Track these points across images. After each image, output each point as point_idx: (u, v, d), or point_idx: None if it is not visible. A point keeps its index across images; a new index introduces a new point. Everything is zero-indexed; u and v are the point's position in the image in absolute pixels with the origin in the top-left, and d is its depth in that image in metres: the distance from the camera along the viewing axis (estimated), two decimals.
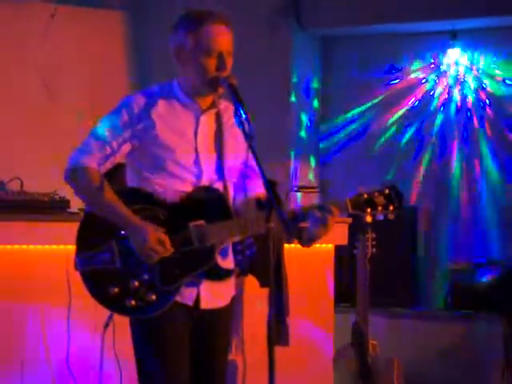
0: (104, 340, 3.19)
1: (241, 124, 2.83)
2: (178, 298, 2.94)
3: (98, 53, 6.50)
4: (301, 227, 2.97)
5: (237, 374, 4.38)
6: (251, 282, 4.09)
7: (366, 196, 2.99)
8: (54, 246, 4.05)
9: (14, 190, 4.25)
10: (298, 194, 6.29)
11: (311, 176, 6.89)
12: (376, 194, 3.00)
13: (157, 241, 2.86)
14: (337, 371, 4.82)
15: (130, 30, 6.80)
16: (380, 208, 2.99)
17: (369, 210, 2.99)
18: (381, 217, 3.02)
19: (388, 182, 3.09)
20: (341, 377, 4.81)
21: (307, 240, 2.99)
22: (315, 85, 6.97)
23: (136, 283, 2.90)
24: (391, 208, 3.00)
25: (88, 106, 6.24)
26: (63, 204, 4.19)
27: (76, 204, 4.09)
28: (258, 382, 3.29)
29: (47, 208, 4.15)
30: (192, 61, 2.96)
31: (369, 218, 3.02)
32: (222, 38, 2.95)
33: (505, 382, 5.83)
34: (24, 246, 4.04)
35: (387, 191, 3.01)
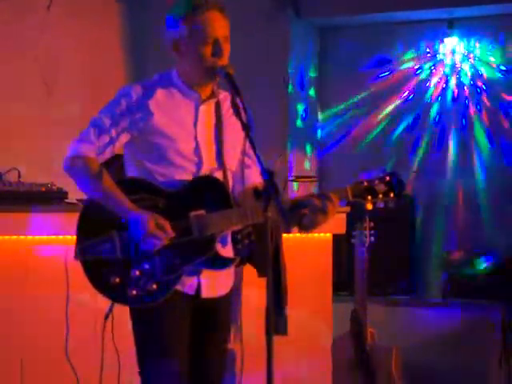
0: (104, 330, 3.19)
1: (238, 114, 2.83)
2: (178, 287, 2.95)
3: (96, 44, 6.49)
4: (301, 214, 2.97)
5: (235, 363, 4.39)
6: (249, 271, 4.09)
7: (366, 184, 3.00)
8: (52, 237, 4.05)
9: (12, 180, 4.24)
10: (295, 184, 6.29)
11: (307, 165, 6.89)
12: (377, 181, 3.00)
13: (156, 226, 2.87)
14: (335, 360, 4.84)
15: (127, 21, 6.78)
16: (381, 196, 3.00)
17: (369, 197, 3.00)
18: (381, 204, 3.03)
19: (389, 169, 3.08)
20: (339, 365, 4.83)
21: (306, 227, 2.99)
22: (313, 74, 6.97)
23: (137, 272, 2.91)
24: (392, 195, 3.01)
25: (86, 97, 6.23)
26: (61, 194, 4.19)
27: (74, 194, 4.10)
28: (256, 371, 3.29)
29: (45, 198, 4.15)
30: (188, 49, 2.96)
31: (369, 206, 3.02)
32: (218, 24, 2.94)
33: (502, 370, 5.85)
34: (21, 237, 4.04)
35: (388, 178, 3.01)
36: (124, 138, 2.98)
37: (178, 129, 2.98)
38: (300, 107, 6.83)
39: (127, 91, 2.99)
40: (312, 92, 6.96)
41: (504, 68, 6.49)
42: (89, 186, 2.96)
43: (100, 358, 3.71)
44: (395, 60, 6.76)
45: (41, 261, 4.04)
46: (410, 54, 6.73)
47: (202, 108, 3.03)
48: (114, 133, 2.96)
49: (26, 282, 4.02)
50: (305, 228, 3.00)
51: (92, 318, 3.96)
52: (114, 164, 3.10)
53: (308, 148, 6.91)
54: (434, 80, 6.66)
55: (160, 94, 2.98)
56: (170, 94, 3.01)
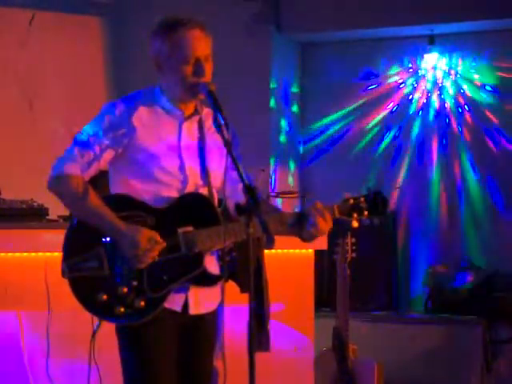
0: (92, 348, 3.16)
1: (220, 131, 2.83)
2: (165, 304, 2.94)
3: (77, 59, 6.48)
4: (301, 225, 2.97)
5: (217, 380, 4.37)
6: (232, 287, 4.08)
7: (352, 201, 3.04)
8: (33, 254, 4.02)
9: None
10: (279, 200, 6.30)
11: (291, 181, 6.90)
12: (362, 199, 3.05)
13: (147, 239, 2.85)
14: (318, 376, 4.82)
15: (108, 35, 6.78)
16: (366, 213, 3.05)
17: (355, 215, 3.04)
18: (367, 221, 3.07)
19: (373, 187, 3.13)
20: (322, 381, 4.81)
21: (309, 237, 2.99)
22: (295, 90, 6.99)
23: (124, 289, 2.89)
24: (376, 213, 3.05)
25: (67, 111, 6.22)
26: (42, 211, 4.17)
27: (55, 211, 4.07)
28: None
29: (26, 215, 4.12)
30: (170, 68, 2.95)
31: (355, 224, 3.06)
32: (198, 43, 2.93)
33: None
34: (2, 254, 4.01)
35: (372, 196, 3.06)
36: (108, 154, 2.96)
37: (161, 146, 2.97)
38: (283, 123, 6.84)
39: (110, 108, 2.97)
40: (295, 108, 6.98)
41: (490, 88, 6.51)
42: (74, 204, 2.94)
43: (86, 377, 3.67)
44: (378, 76, 6.79)
45: (22, 278, 4.01)
46: (392, 70, 6.77)
47: (186, 125, 3.02)
48: (98, 150, 2.95)
49: (7, 299, 3.99)
50: (307, 239, 2.99)
51: (72, 336, 3.93)
52: (101, 181, 3.08)
53: (291, 163, 6.92)
54: (417, 96, 6.69)
55: (143, 110, 2.97)
56: (154, 111, 2.99)
